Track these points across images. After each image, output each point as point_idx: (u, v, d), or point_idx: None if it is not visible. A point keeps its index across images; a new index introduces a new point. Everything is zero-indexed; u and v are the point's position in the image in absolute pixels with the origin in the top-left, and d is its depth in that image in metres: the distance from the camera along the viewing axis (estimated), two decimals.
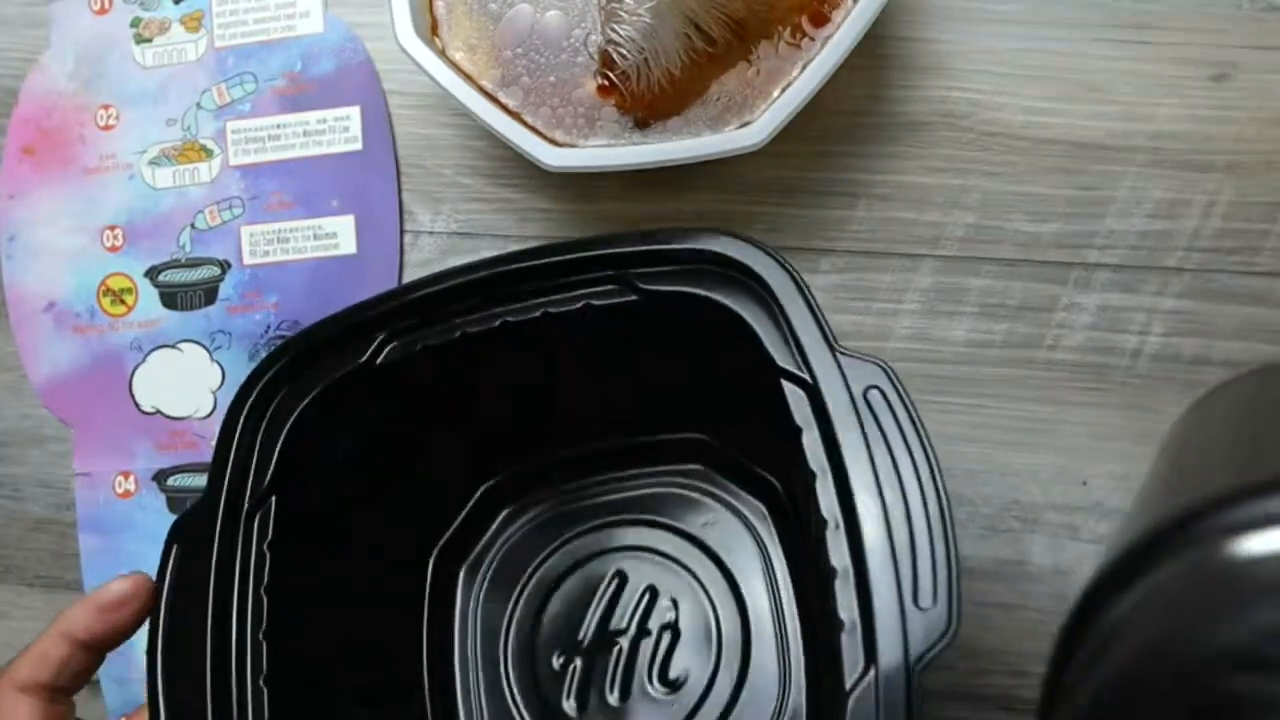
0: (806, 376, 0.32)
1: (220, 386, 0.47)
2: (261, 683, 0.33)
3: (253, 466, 0.36)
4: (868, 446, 0.31)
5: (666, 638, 0.41)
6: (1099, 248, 0.44)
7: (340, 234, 0.47)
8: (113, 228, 0.48)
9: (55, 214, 0.48)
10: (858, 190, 0.45)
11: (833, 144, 0.45)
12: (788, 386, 0.33)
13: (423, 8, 0.42)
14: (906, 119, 0.45)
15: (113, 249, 0.48)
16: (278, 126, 0.47)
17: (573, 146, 0.42)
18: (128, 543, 0.47)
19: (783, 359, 0.33)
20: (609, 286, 0.36)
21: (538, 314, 0.36)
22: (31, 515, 0.48)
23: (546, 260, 0.36)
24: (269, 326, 0.47)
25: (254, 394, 0.36)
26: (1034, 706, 0.44)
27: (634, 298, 0.35)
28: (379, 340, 0.36)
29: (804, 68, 0.41)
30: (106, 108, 0.48)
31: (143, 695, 0.45)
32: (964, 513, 0.45)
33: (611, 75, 0.41)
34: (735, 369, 0.35)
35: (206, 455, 0.47)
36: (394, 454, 0.40)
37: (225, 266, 0.47)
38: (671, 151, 0.40)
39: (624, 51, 0.40)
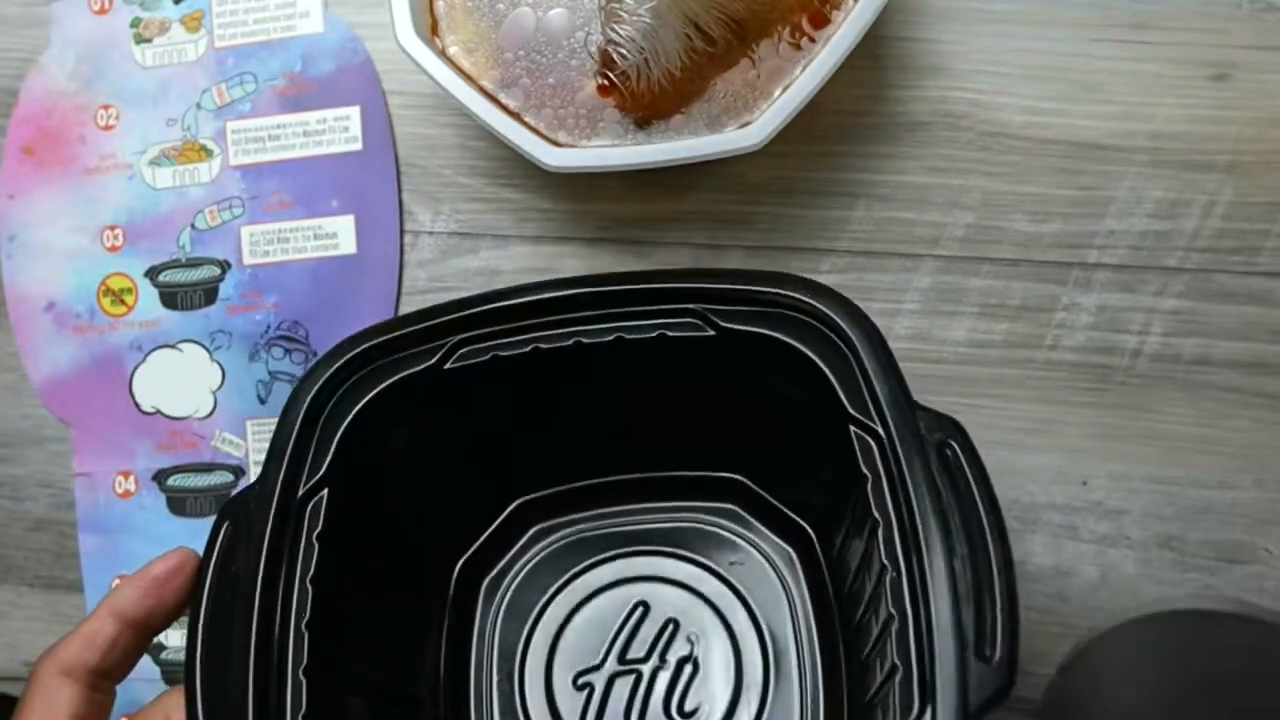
0: (878, 426, 0.33)
1: (220, 386, 0.47)
2: (301, 674, 0.33)
3: (310, 455, 0.36)
4: (939, 498, 0.31)
5: (686, 670, 0.41)
6: (1099, 248, 0.44)
7: (340, 234, 0.47)
8: (113, 228, 0.48)
9: (55, 214, 0.48)
10: (858, 190, 0.45)
11: (833, 144, 0.45)
12: (856, 434, 0.33)
13: (423, 8, 0.42)
14: (906, 119, 0.45)
15: (113, 249, 0.48)
16: (278, 126, 0.47)
17: (573, 147, 0.42)
18: (128, 543, 0.47)
19: (855, 407, 0.34)
20: (686, 319, 0.36)
21: (612, 338, 0.36)
22: (31, 515, 0.48)
23: (627, 287, 0.37)
24: (269, 326, 0.47)
25: (319, 383, 0.36)
26: (1034, 706, 0.44)
27: (711, 333, 0.36)
28: (450, 344, 0.37)
29: (804, 68, 0.41)
30: (106, 108, 0.48)
31: (145, 695, 0.45)
32: None
33: (611, 75, 0.41)
34: (795, 415, 0.36)
35: (207, 455, 0.47)
36: (442, 458, 0.40)
37: (225, 266, 0.47)
38: (671, 151, 0.40)
39: (624, 51, 0.40)
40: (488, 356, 0.37)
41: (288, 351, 0.47)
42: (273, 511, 0.34)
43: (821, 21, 0.42)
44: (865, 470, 0.33)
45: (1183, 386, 0.44)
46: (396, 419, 0.37)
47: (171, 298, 0.48)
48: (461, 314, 0.37)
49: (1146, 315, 0.44)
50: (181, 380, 0.48)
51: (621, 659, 0.41)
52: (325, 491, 0.35)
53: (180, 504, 0.47)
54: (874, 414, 0.33)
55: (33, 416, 0.48)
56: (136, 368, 0.48)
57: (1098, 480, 0.44)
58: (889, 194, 0.45)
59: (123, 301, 0.48)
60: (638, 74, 0.40)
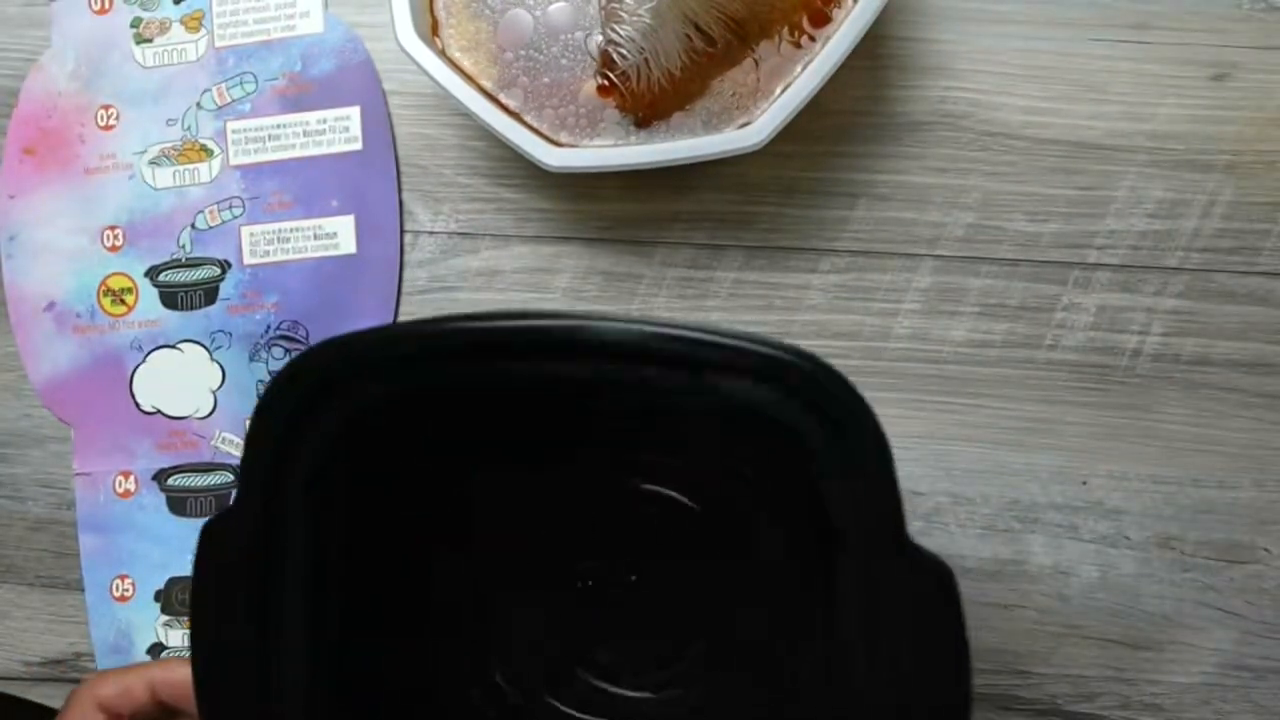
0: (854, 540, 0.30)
1: (220, 386, 0.47)
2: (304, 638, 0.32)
3: (287, 471, 0.33)
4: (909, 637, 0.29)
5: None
6: (1099, 248, 0.44)
7: (340, 234, 0.47)
8: (113, 228, 0.48)
9: (55, 214, 0.48)
10: (858, 190, 0.45)
11: (833, 144, 0.45)
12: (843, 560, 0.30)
13: (423, 8, 0.42)
14: (906, 119, 0.45)
15: (113, 249, 0.48)
16: (278, 126, 0.47)
17: (573, 147, 0.42)
18: (128, 543, 0.47)
19: (838, 516, 0.30)
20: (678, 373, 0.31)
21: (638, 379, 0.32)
22: (31, 515, 0.48)
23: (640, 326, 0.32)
24: (269, 326, 0.47)
25: (296, 390, 0.33)
26: (1034, 707, 0.44)
27: (696, 391, 0.31)
28: (450, 358, 0.33)
29: (804, 68, 0.41)
30: (107, 108, 0.48)
31: None
32: (963, 512, 0.45)
33: (611, 75, 0.41)
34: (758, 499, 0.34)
35: (207, 455, 0.47)
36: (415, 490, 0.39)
37: (225, 266, 0.47)
38: (672, 151, 0.40)
39: (624, 52, 0.40)
40: (489, 377, 0.33)
41: (288, 351, 0.47)
42: (253, 521, 0.33)
43: (822, 21, 0.42)
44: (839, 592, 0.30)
45: (1183, 386, 0.44)
46: (378, 434, 0.35)
47: (172, 298, 0.48)
48: (458, 330, 0.33)
49: (1146, 315, 0.44)
50: (182, 380, 0.48)
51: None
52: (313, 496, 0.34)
53: (180, 504, 0.47)
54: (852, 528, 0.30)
55: (33, 416, 0.48)
56: (137, 368, 0.48)
57: (1098, 480, 0.44)
58: (889, 194, 0.45)
59: (123, 301, 0.48)
60: (638, 74, 0.40)
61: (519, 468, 0.39)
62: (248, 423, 0.47)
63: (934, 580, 0.29)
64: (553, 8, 0.43)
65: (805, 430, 0.30)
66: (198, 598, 0.33)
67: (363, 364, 0.33)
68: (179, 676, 0.36)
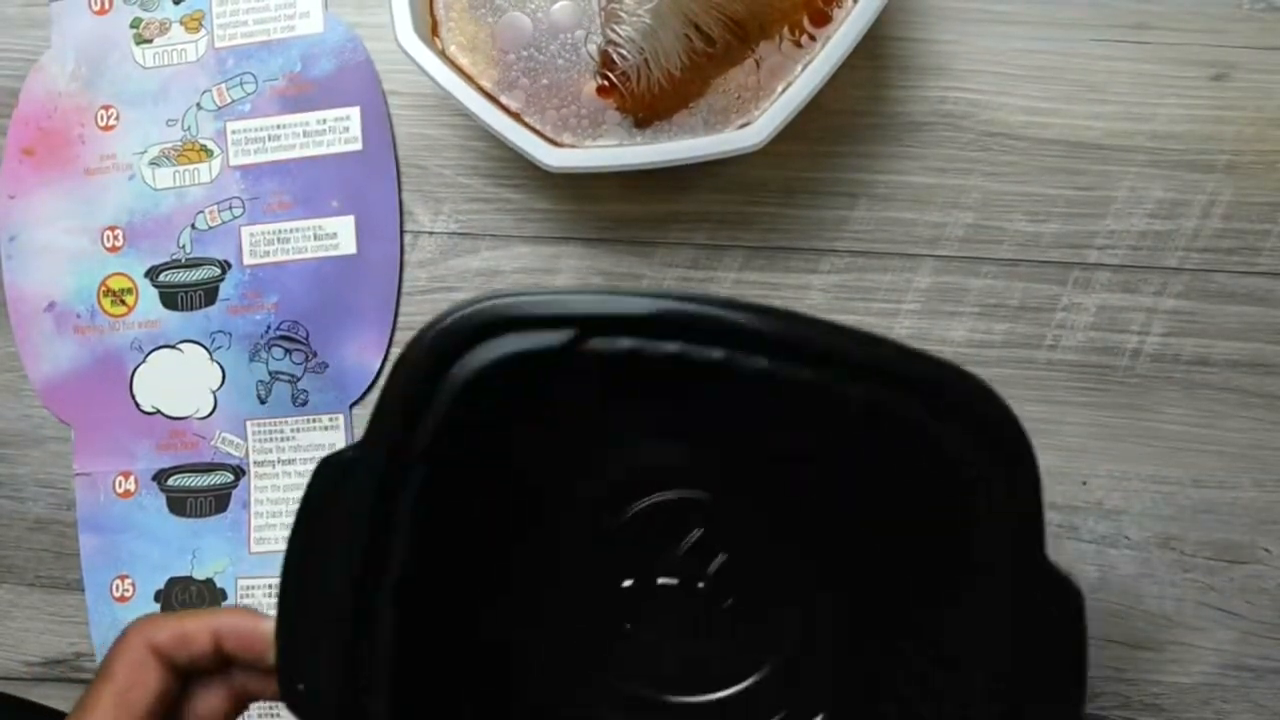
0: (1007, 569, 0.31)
1: (220, 387, 0.47)
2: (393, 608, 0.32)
3: (418, 418, 0.32)
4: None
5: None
6: (1099, 248, 0.44)
7: (340, 234, 0.47)
8: (113, 228, 0.48)
9: (55, 214, 0.48)
10: (858, 190, 0.45)
11: (833, 144, 0.45)
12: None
13: (423, 8, 0.42)
14: (906, 119, 0.45)
15: (113, 249, 0.48)
16: (278, 127, 0.47)
17: (574, 147, 0.42)
18: (128, 543, 0.47)
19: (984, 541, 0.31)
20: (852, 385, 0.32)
21: (764, 364, 0.32)
22: (31, 515, 0.48)
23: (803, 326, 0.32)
24: (269, 327, 0.47)
25: (439, 341, 0.33)
26: None
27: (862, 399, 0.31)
28: (579, 330, 0.33)
29: (804, 68, 0.41)
30: (106, 108, 0.48)
31: None
32: None
33: (611, 76, 0.41)
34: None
35: (207, 455, 0.47)
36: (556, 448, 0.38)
37: (225, 267, 0.47)
38: (672, 152, 0.40)
39: (624, 52, 0.40)
40: (625, 350, 0.33)
41: (288, 352, 0.47)
42: (372, 471, 0.32)
43: (823, 20, 0.42)
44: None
45: (1183, 386, 0.44)
46: (512, 397, 0.34)
47: (172, 298, 0.48)
48: (601, 300, 0.33)
49: (1146, 315, 0.44)
50: (182, 380, 0.48)
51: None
52: (429, 460, 0.33)
53: (180, 504, 0.47)
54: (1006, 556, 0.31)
55: (33, 416, 0.48)
56: (137, 368, 0.48)
57: (1097, 480, 0.44)
58: (889, 194, 0.45)
59: (123, 302, 0.48)
60: (637, 74, 0.40)
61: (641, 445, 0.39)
62: (249, 424, 0.47)
63: (1066, 600, 0.30)
64: (555, 8, 0.43)
65: (965, 457, 0.31)
66: (299, 538, 0.32)
67: (512, 323, 0.33)
68: (249, 627, 0.32)
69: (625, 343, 0.33)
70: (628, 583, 0.41)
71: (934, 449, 0.31)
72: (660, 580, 0.41)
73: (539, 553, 0.40)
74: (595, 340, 0.33)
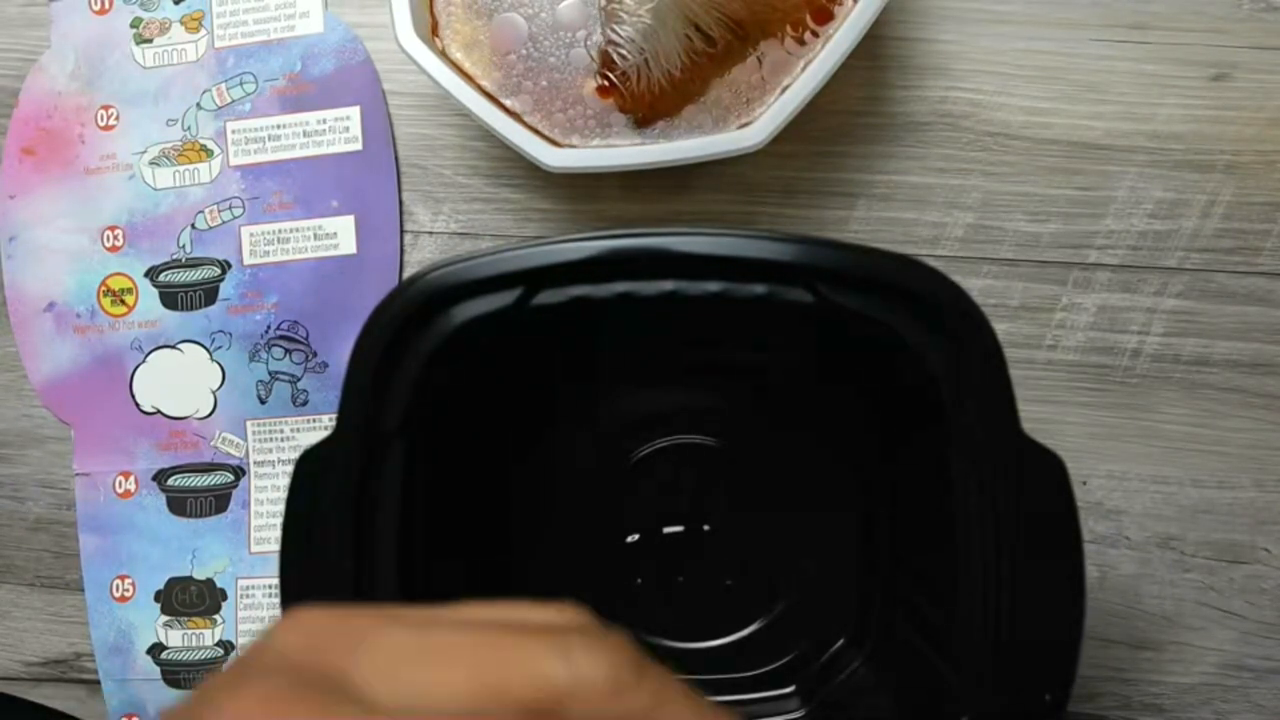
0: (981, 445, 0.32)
1: (220, 386, 0.47)
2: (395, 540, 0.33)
3: (386, 400, 0.33)
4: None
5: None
6: (1099, 248, 0.44)
7: (340, 234, 0.47)
8: (113, 228, 0.48)
9: (55, 214, 0.48)
10: (858, 190, 0.45)
11: (833, 144, 0.45)
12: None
13: (423, 8, 0.42)
14: (906, 119, 0.45)
15: (113, 249, 0.48)
16: (278, 127, 0.47)
17: (574, 147, 0.42)
18: (128, 543, 0.47)
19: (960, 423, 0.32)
20: (792, 288, 0.33)
21: (714, 291, 0.33)
22: (31, 515, 0.48)
23: (734, 237, 0.33)
24: (269, 327, 0.47)
25: (392, 323, 0.34)
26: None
27: (812, 302, 0.33)
28: (526, 286, 0.34)
29: (804, 68, 0.41)
30: (106, 108, 0.48)
31: (146, 695, 0.45)
32: None
33: (612, 76, 0.41)
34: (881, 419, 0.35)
35: (207, 455, 0.47)
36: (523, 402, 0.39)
37: (225, 267, 0.47)
38: (672, 152, 0.40)
39: (624, 52, 0.40)
40: (569, 299, 0.34)
41: (288, 352, 0.47)
42: (351, 455, 0.33)
43: (826, 16, 0.42)
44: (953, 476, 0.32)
45: (1183, 386, 0.44)
46: (471, 364, 0.35)
47: (172, 298, 0.48)
48: (538, 252, 0.34)
49: (1146, 315, 0.44)
50: (181, 380, 0.48)
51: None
52: (408, 434, 0.34)
53: (180, 504, 0.47)
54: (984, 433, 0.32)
55: (33, 416, 0.48)
56: (137, 368, 0.48)
57: (1097, 480, 0.44)
58: (889, 194, 0.45)
59: (123, 301, 0.48)
60: (638, 74, 0.40)
61: (604, 384, 0.40)
62: (249, 424, 0.47)
63: (1047, 468, 0.32)
64: (560, 7, 0.43)
65: (923, 341, 0.32)
66: (291, 534, 0.33)
67: (460, 291, 0.34)
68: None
69: (574, 290, 0.34)
70: (633, 538, 0.42)
71: (894, 339, 0.33)
72: (666, 530, 0.42)
73: (534, 511, 0.41)
74: (544, 293, 0.34)
